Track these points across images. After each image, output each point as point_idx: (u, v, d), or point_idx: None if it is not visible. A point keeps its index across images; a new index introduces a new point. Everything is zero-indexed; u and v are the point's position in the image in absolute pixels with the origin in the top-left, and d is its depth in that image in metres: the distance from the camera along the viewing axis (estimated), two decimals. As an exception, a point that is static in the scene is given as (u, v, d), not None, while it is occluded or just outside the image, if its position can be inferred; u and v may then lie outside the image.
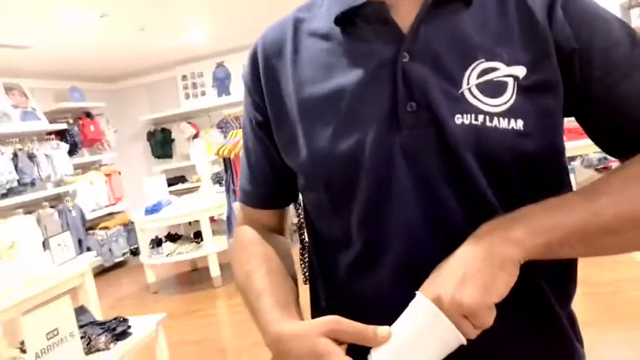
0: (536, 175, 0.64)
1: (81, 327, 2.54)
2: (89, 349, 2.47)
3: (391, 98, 0.63)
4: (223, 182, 5.23)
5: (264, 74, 0.73)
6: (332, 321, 0.59)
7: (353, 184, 0.65)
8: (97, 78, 7.00)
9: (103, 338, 2.52)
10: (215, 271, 4.88)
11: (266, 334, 0.64)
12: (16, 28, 4.37)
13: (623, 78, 0.62)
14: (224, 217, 4.69)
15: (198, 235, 5.27)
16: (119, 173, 6.67)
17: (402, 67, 0.63)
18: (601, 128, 0.66)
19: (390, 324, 0.58)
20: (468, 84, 0.62)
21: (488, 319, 0.54)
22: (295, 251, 2.91)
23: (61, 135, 5.88)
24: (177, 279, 5.57)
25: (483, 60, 0.63)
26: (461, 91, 0.62)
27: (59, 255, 2.95)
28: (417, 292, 0.57)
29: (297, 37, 0.73)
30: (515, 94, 0.62)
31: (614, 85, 0.62)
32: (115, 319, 2.73)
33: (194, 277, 5.50)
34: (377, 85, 0.64)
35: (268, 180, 0.79)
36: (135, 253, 6.28)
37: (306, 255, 2.63)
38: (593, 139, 0.68)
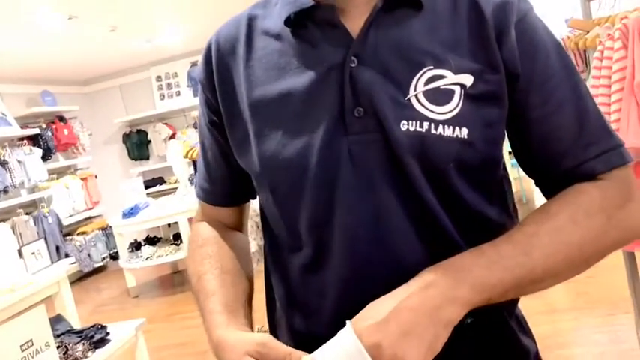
0: (477, 181, 0.65)
1: (57, 336, 2.50)
2: (66, 358, 2.43)
3: (339, 103, 0.63)
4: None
5: (217, 72, 0.73)
6: (260, 342, 0.59)
7: (300, 188, 0.65)
8: (70, 81, 6.89)
9: (80, 347, 2.49)
10: (196, 272, 4.85)
11: (209, 339, 0.66)
12: (-19, 33, 4.28)
13: (557, 109, 0.64)
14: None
15: (177, 237, 5.23)
16: (95, 177, 6.58)
17: (350, 71, 0.63)
18: (530, 157, 0.68)
19: (335, 329, 0.57)
20: (415, 90, 0.62)
21: None
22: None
23: (34, 140, 5.78)
24: (158, 282, 5.53)
25: (431, 67, 0.63)
26: (408, 97, 0.62)
27: (33, 263, 2.90)
28: (347, 323, 0.56)
29: (251, 34, 0.72)
30: (461, 102, 0.62)
31: (548, 115, 0.64)
32: (92, 326, 2.69)
33: (175, 280, 5.46)
34: (325, 89, 0.64)
35: (225, 178, 0.78)
36: (115, 257, 6.20)
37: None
38: (522, 166, 0.70)
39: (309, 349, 0.58)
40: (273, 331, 0.78)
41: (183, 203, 4.96)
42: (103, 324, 2.75)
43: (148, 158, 7.22)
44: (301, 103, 0.65)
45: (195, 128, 6.96)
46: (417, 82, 0.62)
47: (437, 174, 0.62)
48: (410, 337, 0.54)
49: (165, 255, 4.93)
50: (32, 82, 6.20)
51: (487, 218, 0.66)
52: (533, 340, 0.73)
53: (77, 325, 2.90)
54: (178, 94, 6.98)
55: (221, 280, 0.72)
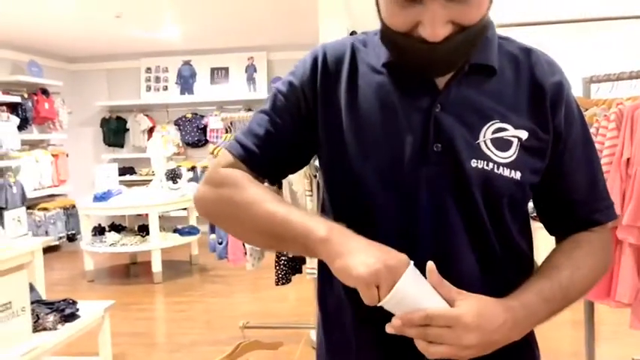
0: (518, 215, 0.84)
1: (29, 304, 2.51)
2: (36, 327, 2.44)
3: (423, 139, 0.79)
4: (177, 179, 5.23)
5: (321, 79, 0.85)
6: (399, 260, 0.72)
7: (383, 203, 0.80)
8: (59, 56, 6.82)
9: (51, 318, 2.51)
10: (157, 266, 4.85)
11: (313, 232, 0.74)
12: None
13: (580, 167, 0.85)
14: (165, 213, 4.67)
15: (142, 229, 5.22)
16: (67, 155, 6.48)
17: (435, 115, 0.79)
18: (550, 203, 0.87)
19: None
20: (484, 137, 0.79)
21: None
22: (272, 254, 3.00)
23: (13, 108, 5.68)
24: (114, 270, 5.48)
25: (497, 121, 0.79)
26: (477, 142, 0.78)
27: (13, 230, 2.90)
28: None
29: (355, 62, 0.85)
30: (517, 151, 0.79)
31: (574, 171, 0.85)
32: (64, 300, 2.71)
33: (132, 271, 5.42)
34: (413, 125, 0.79)
35: (276, 155, 0.87)
36: (72, 239, 6.10)
37: (282, 257, 2.73)
38: (538, 212, 0.90)
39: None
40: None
41: (157, 196, 4.99)
42: (74, 299, 2.77)
43: (122, 146, 7.17)
44: (393, 131, 0.80)
45: (176, 125, 7.00)
46: (485, 131, 0.79)
47: (494, 204, 0.79)
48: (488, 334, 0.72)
49: (130, 244, 4.91)
50: (21, 50, 6.12)
51: (519, 246, 0.84)
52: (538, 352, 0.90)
53: (44, 297, 2.90)
54: (165, 88, 7.00)
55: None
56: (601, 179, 0.89)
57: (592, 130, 1.95)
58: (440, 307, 0.70)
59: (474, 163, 0.77)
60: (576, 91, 2.22)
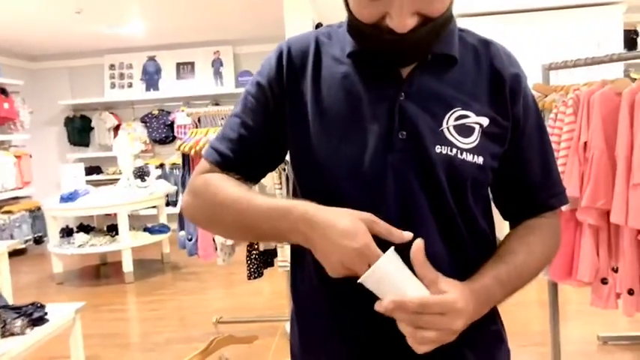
0: (480, 197, 0.88)
1: (-4, 309, 2.46)
2: (3, 332, 2.39)
3: (388, 127, 0.81)
4: (144, 176, 5.16)
5: (287, 73, 0.87)
6: (367, 215, 0.75)
7: (352, 186, 0.82)
8: (18, 54, 6.63)
9: (19, 322, 2.46)
10: (128, 266, 4.79)
11: (284, 215, 0.77)
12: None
13: (535, 154, 0.89)
14: (134, 212, 4.61)
15: (111, 229, 5.14)
16: (30, 156, 6.32)
17: (399, 103, 0.81)
18: (507, 188, 0.91)
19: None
20: (447, 124, 0.82)
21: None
22: (242, 248, 2.99)
23: (-29, 109, 5.51)
24: (84, 272, 5.38)
25: (460, 108, 0.82)
26: (441, 128, 0.82)
27: (-25, 233, 2.82)
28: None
29: (319, 54, 0.88)
30: (479, 137, 0.82)
31: (530, 157, 0.89)
32: (32, 304, 2.66)
33: (102, 272, 5.34)
34: (378, 113, 0.82)
35: (251, 154, 0.90)
36: (38, 241, 5.96)
37: (253, 251, 2.73)
38: (493, 198, 0.93)
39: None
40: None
41: (125, 195, 4.91)
42: (42, 303, 2.72)
43: (87, 145, 7.03)
44: (358, 120, 0.83)
45: (143, 122, 6.90)
46: (448, 118, 0.82)
47: (458, 188, 0.83)
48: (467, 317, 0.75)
49: (100, 245, 4.83)
50: (-23, 48, 5.94)
51: (482, 228, 0.88)
52: (503, 327, 0.95)
53: (11, 303, 2.84)
54: (130, 85, 6.88)
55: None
56: (554, 167, 0.93)
57: (551, 116, 2.01)
58: (426, 293, 0.72)
59: (438, 148, 0.81)
60: (536, 77, 2.30)
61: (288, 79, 0.88)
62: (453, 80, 0.84)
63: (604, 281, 1.86)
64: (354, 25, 0.81)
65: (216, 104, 6.70)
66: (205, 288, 4.61)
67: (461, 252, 0.84)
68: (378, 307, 0.72)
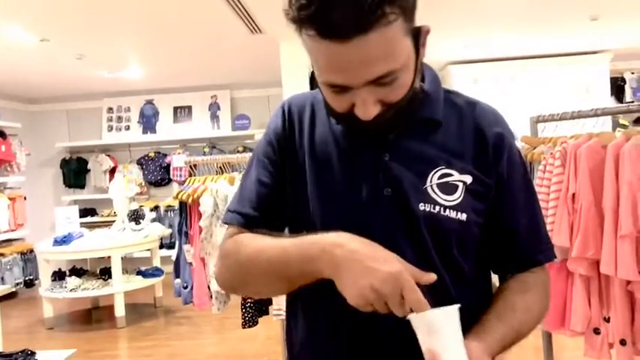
0: (468, 248, 0.91)
1: (-13, 358, 2.43)
2: (-8, 381, 2.36)
3: (375, 184, 0.87)
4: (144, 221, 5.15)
5: (288, 127, 0.94)
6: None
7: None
8: (16, 97, 6.72)
9: (8, 371, 2.43)
10: (120, 310, 4.73)
11: (326, 237, 0.80)
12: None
13: (522, 211, 0.93)
14: (128, 255, 4.57)
15: (104, 272, 5.10)
16: (24, 198, 6.32)
17: (385, 163, 0.87)
18: (494, 242, 0.93)
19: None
20: (431, 182, 0.87)
21: None
22: (237, 297, 2.97)
23: (-32, 151, 5.55)
24: (75, 316, 5.30)
25: (443, 167, 0.87)
26: (425, 186, 0.86)
27: (-32, 279, 2.81)
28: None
29: (314, 112, 0.94)
30: (463, 194, 0.87)
31: (517, 214, 0.92)
32: (22, 351, 2.64)
33: (94, 316, 5.27)
34: (366, 171, 0.88)
35: (275, 210, 0.94)
36: (29, 284, 5.90)
37: (248, 300, 2.72)
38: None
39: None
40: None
41: (120, 238, 4.90)
42: (32, 350, 2.69)
43: (83, 187, 7.04)
44: (348, 177, 0.89)
45: (139, 164, 6.94)
46: (432, 177, 0.87)
47: (442, 243, 0.87)
48: None
49: (92, 288, 4.79)
50: (-24, 92, 6.02)
51: (472, 280, 0.92)
52: None
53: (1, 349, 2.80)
54: (127, 128, 6.96)
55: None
56: (542, 222, 0.97)
57: (540, 167, 2.07)
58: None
59: (421, 206, 0.86)
60: (525, 130, 2.37)
61: (290, 135, 0.94)
62: (437, 141, 0.89)
63: (596, 331, 1.87)
64: (329, 111, 0.88)
65: (213, 147, 6.78)
66: (199, 332, 4.55)
67: (447, 302, 0.85)
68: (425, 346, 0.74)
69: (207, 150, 6.72)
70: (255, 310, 2.71)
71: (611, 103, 6.23)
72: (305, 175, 0.91)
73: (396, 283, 0.73)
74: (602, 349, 1.87)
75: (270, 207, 0.94)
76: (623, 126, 4.68)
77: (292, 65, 4.75)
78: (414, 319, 0.73)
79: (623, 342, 1.80)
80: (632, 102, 6.21)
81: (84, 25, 4.14)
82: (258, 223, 0.92)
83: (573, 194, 1.87)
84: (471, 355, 0.75)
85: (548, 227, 1.91)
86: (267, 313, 2.80)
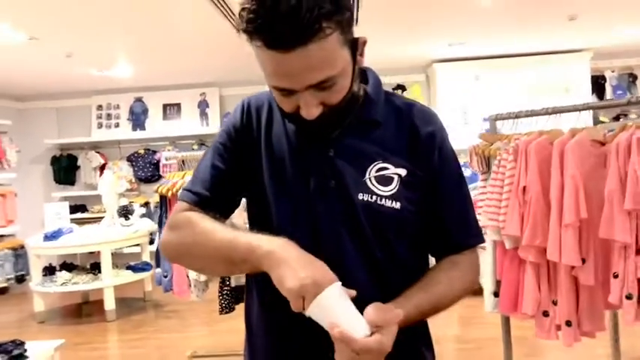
0: (404, 233, 1.03)
1: (-23, 346, 2.53)
2: (-17, 369, 2.47)
3: (321, 177, 0.99)
4: (117, 215, 5.26)
5: (247, 124, 1.06)
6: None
7: (294, 223, 0.99)
8: (6, 95, 6.79)
9: (-2, 359, 2.54)
10: (110, 304, 4.84)
11: (253, 248, 0.90)
12: None
13: (453, 199, 1.06)
14: (118, 250, 4.68)
15: (94, 267, 5.21)
16: (15, 195, 6.40)
17: (330, 159, 1.00)
18: (427, 231, 1.05)
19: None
20: (369, 175, 0.99)
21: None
22: (215, 285, 3.10)
23: (-41, 149, 5.62)
24: (65, 310, 5.41)
25: (380, 161, 1.00)
26: (364, 179, 0.99)
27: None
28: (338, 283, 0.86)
29: (271, 111, 1.06)
30: (398, 186, 0.99)
31: (449, 202, 1.05)
32: (12, 341, 2.74)
33: (84, 310, 5.37)
34: (313, 165, 1.00)
35: (225, 193, 1.05)
36: (20, 280, 5.99)
37: (225, 288, 2.85)
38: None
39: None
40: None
41: (109, 234, 5.01)
42: (22, 340, 2.80)
43: (73, 183, 7.13)
44: (299, 171, 1.01)
45: (129, 161, 7.04)
46: (370, 170, 1.00)
47: (379, 229, 0.99)
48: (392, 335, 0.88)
49: (82, 283, 4.89)
50: (-34, 90, 6.08)
51: (406, 261, 1.04)
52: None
53: (-8, 340, 2.90)
54: (117, 125, 7.05)
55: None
56: (471, 211, 1.10)
57: (496, 162, 2.21)
58: (366, 328, 0.84)
59: (360, 195, 0.98)
60: (485, 126, 2.49)
61: (248, 129, 1.06)
62: (376, 138, 1.02)
63: (545, 314, 2.01)
64: (280, 112, 1.00)
65: (202, 144, 6.88)
66: (187, 326, 4.67)
67: (383, 281, 0.99)
68: (332, 330, 0.83)
69: (196, 147, 6.82)
70: (232, 298, 2.83)
71: (591, 101, 6.37)
72: (262, 167, 1.03)
73: (301, 295, 0.83)
74: (551, 330, 2.01)
75: (221, 189, 1.05)
76: (603, 123, 4.82)
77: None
78: (310, 312, 0.84)
79: (568, 323, 1.94)
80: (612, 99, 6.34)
81: (73, 23, 4.22)
82: (209, 202, 1.03)
83: (524, 187, 2.01)
84: (378, 310, 0.87)
85: (501, 218, 2.06)
86: (243, 300, 2.93)
